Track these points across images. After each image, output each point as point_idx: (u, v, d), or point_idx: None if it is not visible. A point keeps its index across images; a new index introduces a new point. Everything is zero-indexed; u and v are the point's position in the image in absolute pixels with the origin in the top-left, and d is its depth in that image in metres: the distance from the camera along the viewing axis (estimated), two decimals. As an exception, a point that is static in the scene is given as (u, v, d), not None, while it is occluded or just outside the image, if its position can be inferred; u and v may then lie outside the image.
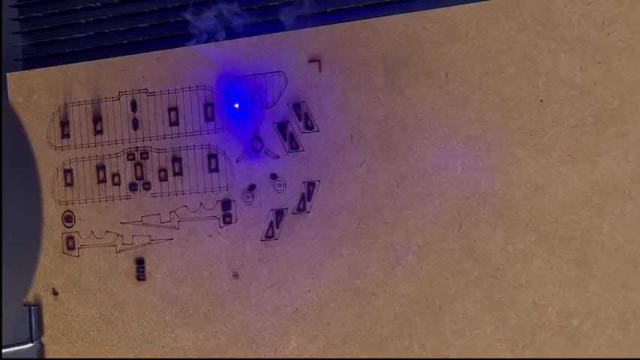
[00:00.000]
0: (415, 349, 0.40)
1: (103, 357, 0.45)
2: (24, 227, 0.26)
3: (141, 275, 0.44)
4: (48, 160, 0.46)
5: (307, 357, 0.42)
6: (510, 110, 0.38)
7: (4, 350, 0.45)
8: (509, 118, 0.38)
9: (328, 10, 0.42)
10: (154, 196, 0.44)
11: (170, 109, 0.44)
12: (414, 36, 0.40)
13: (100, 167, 0.45)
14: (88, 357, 0.45)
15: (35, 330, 0.46)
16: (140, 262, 0.44)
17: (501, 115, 0.38)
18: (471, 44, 0.39)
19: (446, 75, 0.39)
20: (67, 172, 0.46)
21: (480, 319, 0.39)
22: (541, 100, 0.38)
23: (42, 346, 0.46)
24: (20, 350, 0.46)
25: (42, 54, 0.47)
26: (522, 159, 0.38)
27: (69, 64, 0.46)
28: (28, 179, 0.27)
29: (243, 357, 0.43)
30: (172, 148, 0.44)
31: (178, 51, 0.44)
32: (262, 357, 0.42)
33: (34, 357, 0.46)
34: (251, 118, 0.42)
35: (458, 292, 0.39)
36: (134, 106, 0.44)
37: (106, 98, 0.45)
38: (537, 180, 0.38)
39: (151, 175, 0.44)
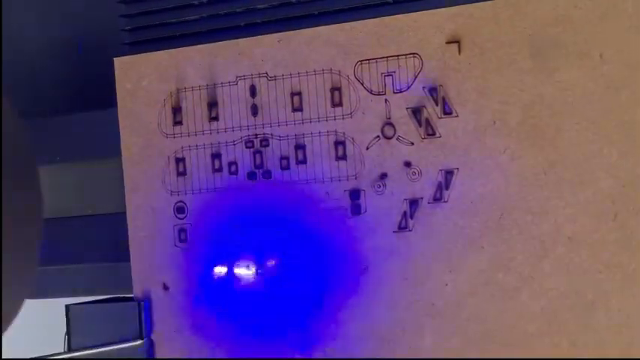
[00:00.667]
0: (565, 347, 0.38)
1: (219, 356, 0.43)
2: (23, 226, 0.25)
3: (262, 269, 0.42)
4: (159, 149, 0.44)
5: (444, 356, 0.39)
6: (672, 93, 0.36)
7: (113, 347, 0.44)
8: (671, 102, 0.36)
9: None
10: (275, 185, 0.42)
11: (293, 94, 0.42)
12: (564, 15, 0.37)
13: (216, 155, 0.43)
14: (202, 355, 0.43)
15: (145, 326, 0.44)
16: (259, 258, 0.42)
17: (662, 98, 0.36)
18: (629, 22, 0.36)
19: (600, 56, 0.37)
20: (180, 160, 0.44)
21: (637, 316, 0.37)
22: None
23: (152, 343, 0.44)
24: (130, 347, 0.44)
25: (151, 37, 0.45)
26: (687, 144, 0.36)
27: (181, 48, 0.44)
28: (28, 178, 0.26)
29: (372, 356, 0.40)
30: (295, 135, 0.42)
31: (302, 33, 0.41)
32: (396, 356, 0.40)
33: (144, 354, 0.44)
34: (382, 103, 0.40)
35: (613, 286, 0.37)
36: (253, 91, 0.42)
37: (222, 83, 0.43)
38: (702, 167, 0.36)
39: (272, 164, 0.42)
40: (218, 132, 0.43)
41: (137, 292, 0.44)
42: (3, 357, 0.42)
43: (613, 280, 0.37)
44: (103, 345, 0.44)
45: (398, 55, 0.40)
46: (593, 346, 0.37)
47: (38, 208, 0.27)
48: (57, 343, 0.47)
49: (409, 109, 0.40)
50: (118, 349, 0.44)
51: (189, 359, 0.44)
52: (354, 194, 0.41)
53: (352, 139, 0.41)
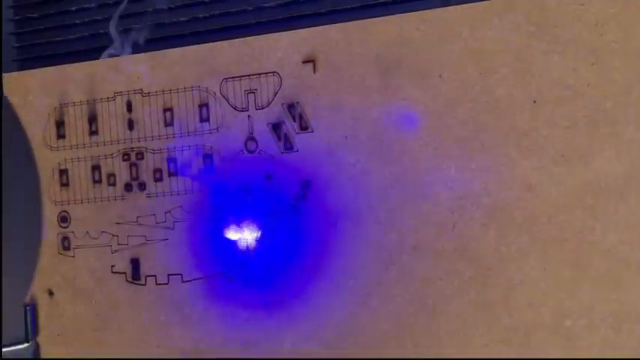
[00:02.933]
0: (409, 349, 0.40)
1: (99, 357, 0.45)
2: (24, 227, 0.26)
3: (136, 275, 0.44)
4: (44, 161, 0.46)
5: (302, 357, 0.42)
6: (504, 111, 0.38)
7: (1, 349, 0.46)
8: (502, 119, 0.38)
9: (322, 10, 0.42)
10: (149, 196, 0.44)
11: (165, 110, 0.44)
12: (407, 37, 0.40)
13: (96, 167, 0.45)
14: (83, 357, 0.45)
15: (31, 330, 0.46)
16: (135, 263, 0.44)
17: (495, 116, 0.39)
18: (464, 45, 0.39)
19: (439, 76, 0.39)
20: (63, 172, 0.46)
21: (473, 320, 0.39)
22: (534, 101, 0.38)
23: (38, 346, 0.46)
24: (16, 350, 0.46)
25: (37, 54, 0.47)
26: (515, 159, 0.38)
27: (64, 65, 0.46)
28: (28, 179, 0.27)
29: (237, 357, 0.43)
30: (168, 149, 0.44)
31: (173, 52, 0.44)
32: (255, 357, 0.42)
33: (30, 357, 0.46)
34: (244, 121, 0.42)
35: (451, 292, 0.39)
36: (129, 106, 0.44)
37: (101, 99, 0.45)
38: (530, 180, 0.38)
39: (146, 176, 0.44)
40: (98, 145, 0.45)
41: (24, 297, 0.46)
42: (3, 357, 0.44)
43: (451, 286, 0.39)
44: (-10, 348, 0.46)
45: (259, 74, 0.42)
46: (434, 348, 0.40)
47: (38, 208, 0.27)
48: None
49: (270, 125, 0.42)
50: (4, 352, 0.45)
51: (69, 359, 0.46)
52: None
53: (219, 152, 0.43)
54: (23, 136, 0.28)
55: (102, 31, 0.46)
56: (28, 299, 0.46)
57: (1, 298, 0.26)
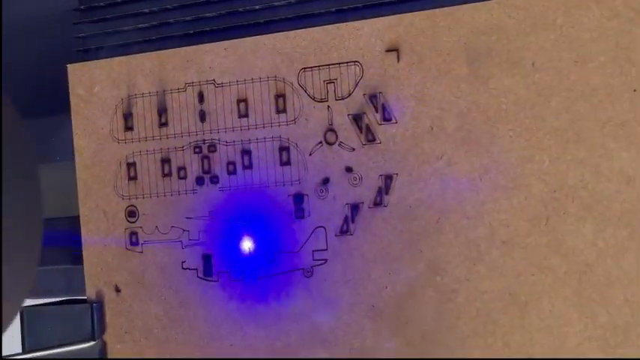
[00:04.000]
0: (498, 347, 0.38)
1: (167, 356, 0.44)
2: (24, 226, 0.26)
3: (208, 271, 0.43)
4: (110, 154, 0.45)
5: (384, 356, 0.40)
6: (601, 100, 0.37)
7: (65, 348, 0.44)
8: (599, 109, 0.37)
9: (408, -3, 0.41)
10: (222, 190, 0.43)
11: (239, 101, 0.43)
12: (498, 24, 0.38)
13: (165, 160, 0.44)
14: (152, 356, 0.44)
15: (97, 328, 0.45)
16: (207, 259, 0.43)
17: (591, 106, 0.37)
18: (559, 32, 0.37)
19: (532, 64, 0.38)
20: (131, 165, 0.45)
21: (568, 317, 0.38)
22: (634, 90, 0.36)
23: (104, 344, 0.45)
24: (81, 349, 0.44)
25: (104, 45, 0.46)
26: (614, 150, 0.37)
27: (132, 55, 0.44)
28: (28, 178, 0.26)
29: (313, 356, 0.41)
30: (242, 141, 0.43)
31: (248, 41, 0.42)
32: (336, 356, 0.41)
33: (96, 355, 0.45)
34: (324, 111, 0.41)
35: (544, 288, 0.38)
36: (201, 97, 0.43)
37: (171, 90, 0.44)
38: (630, 172, 0.37)
39: (219, 169, 0.43)
40: (167, 137, 0.44)
41: (90, 294, 0.45)
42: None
43: (544, 282, 0.38)
44: (56, 346, 0.44)
45: (339, 63, 0.41)
46: (526, 346, 0.38)
47: (38, 208, 0.27)
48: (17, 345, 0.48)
49: (350, 116, 0.41)
50: (70, 351, 0.44)
51: (138, 359, 0.45)
52: (298, 199, 0.41)
53: (296, 144, 0.42)
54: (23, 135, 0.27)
55: (171, 20, 0.44)
56: (93, 296, 0.45)
57: (0, 295, 0.25)
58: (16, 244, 0.25)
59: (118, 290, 0.45)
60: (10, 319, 0.27)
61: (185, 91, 0.44)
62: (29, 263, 0.27)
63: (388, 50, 0.40)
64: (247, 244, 0.42)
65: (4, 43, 0.48)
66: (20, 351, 0.46)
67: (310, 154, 0.41)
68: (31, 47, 0.47)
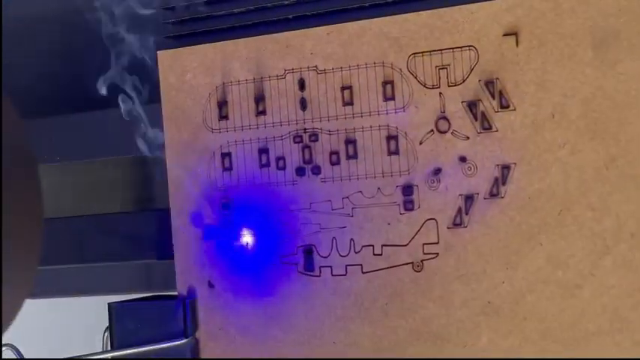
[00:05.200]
0: (628, 346, 0.37)
1: (265, 355, 0.42)
2: (24, 226, 0.25)
3: (309, 266, 0.41)
4: (204, 144, 0.43)
5: (500, 356, 0.38)
6: None
7: (157, 346, 0.43)
8: None
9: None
10: (324, 181, 0.41)
11: (343, 88, 0.41)
12: (627, 5, 0.36)
13: (263, 150, 0.42)
14: (247, 355, 0.42)
15: (189, 324, 0.43)
16: (308, 253, 0.41)
17: None
18: (694, 13, 0.36)
19: (664, 47, 0.36)
20: (225, 155, 0.43)
21: (703, 314, 0.36)
22: None
23: (197, 341, 0.43)
24: (173, 346, 0.43)
25: (196, 30, 0.44)
26: None
27: (227, 41, 0.43)
28: (28, 178, 0.26)
29: (422, 356, 0.40)
30: (346, 130, 0.41)
31: (352, 25, 0.41)
32: (447, 356, 0.39)
33: (188, 354, 0.43)
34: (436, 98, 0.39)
35: (677, 283, 0.36)
36: (302, 84, 0.41)
37: (269, 77, 0.42)
38: None
39: (321, 159, 0.41)
40: (265, 126, 0.42)
41: (181, 289, 0.44)
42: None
43: (678, 277, 0.36)
44: (146, 343, 0.43)
45: (453, 48, 0.39)
46: (657, 345, 0.36)
47: (38, 208, 0.27)
48: (92, 343, 0.47)
49: (464, 103, 0.39)
50: (161, 348, 0.43)
51: (233, 359, 0.43)
52: (407, 190, 0.40)
53: (405, 133, 0.40)
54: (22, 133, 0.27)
55: (269, 4, 0.42)
56: (185, 291, 0.44)
57: (0, 295, 0.25)
58: (16, 244, 0.24)
59: (211, 286, 0.43)
60: (11, 319, 0.26)
61: (285, 77, 0.42)
62: (29, 263, 0.26)
63: (506, 34, 0.38)
64: (348, 237, 0.41)
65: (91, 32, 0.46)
66: (103, 348, 0.45)
67: (420, 143, 0.39)
68: (117, 35, 0.45)
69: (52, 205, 0.49)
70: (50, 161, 0.48)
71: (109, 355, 0.43)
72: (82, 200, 0.51)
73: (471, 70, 0.39)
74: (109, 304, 0.44)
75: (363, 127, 0.40)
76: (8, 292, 0.25)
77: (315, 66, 0.41)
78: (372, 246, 0.40)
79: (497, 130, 0.38)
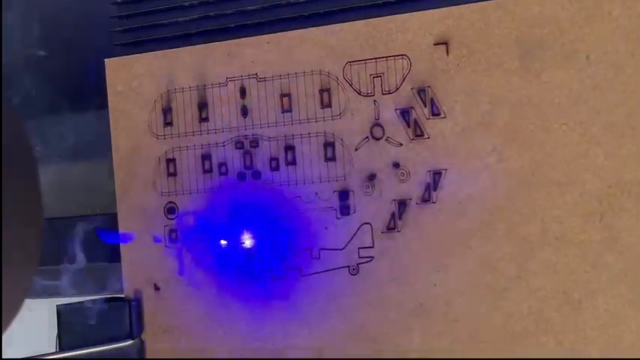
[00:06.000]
0: (552, 346, 0.38)
1: (208, 356, 0.43)
2: (24, 226, 0.26)
3: (250, 270, 0.42)
4: (149, 150, 0.44)
5: (432, 356, 0.39)
6: (658, 94, 0.36)
7: (102, 347, 0.44)
8: (656, 103, 0.36)
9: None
10: (264, 186, 0.42)
11: (282, 95, 0.42)
12: (551, 16, 0.38)
13: (206, 156, 0.43)
14: (191, 356, 0.43)
15: (135, 326, 0.44)
16: (249, 257, 0.42)
17: (648, 99, 0.36)
18: (614, 24, 0.37)
19: (586, 57, 0.37)
20: (170, 161, 0.44)
21: (623, 315, 0.37)
22: (693, 83, 0.36)
23: (142, 343, 0.44)
24: (119, 347, 0.44)
25: (142, 39, 0.45)
26: (671, 145, 0.36)
27: (172, 49, 0.44)
28: (28, 178, 0.26)
29: (361, 356, 0.41)
30: (285, 136, 0.42)
31: (291, 34, 0.42)
32: (383, 356, 0.40)
33: (134, 355, 0.44)
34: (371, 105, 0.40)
35: (599, 286, 0.37)
36: (243, 92, 0.42)
37: (212, 84, 0.43)
38: (688, 167, 0.36)
39: (261, 165, 0.42)
40: (208, 133, 0.43)
41: (128, 292, 0.44)
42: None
43: (599, 280, 0.37)
44: (93, 345, 0.44)
45: (387, 57, 0.40)
46: (580, 345, 0.37)
47: (38, 208, 0.27)
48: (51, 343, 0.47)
49: (398, 111, 0.40)
50: (108, 349, 0.44)
51: (178, 359, 0.44)
52: (343, 195, 0.41)
53: (341, 140, 0.41)
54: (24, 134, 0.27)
55: (212, 13, 0.43)
56: (131, 294, 0.45)
57: (0, 295, 0.25)
58: (16, 244, 0.25)
59: (157, 288, 0.44)
60: (10, 320, 0.27)
61: (226, 85, 0.43)
62: (29, 263, 0.27)
63: (437, 43, 0.39)
64: (288, 241, 0.42)
65: (39, 41, 0.48)
66: (56, 349, 0.46)
67: (356, 150, 0.41)
68: (68, 42, 0.46)
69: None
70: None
71: (56, 357, 0.44)
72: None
73: (404, 79, 0.40)
74: (57, 306, 0.45)
75: (301, 134, 0.42)
76: (8, 292, 0.25)
77: (256, 74, 0.42)
78: (311, 249, 0.41)
79: (428, 137, 0.39)
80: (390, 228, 0.40)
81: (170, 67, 0.44)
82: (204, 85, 0.43)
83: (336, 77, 0.41)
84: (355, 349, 0.41)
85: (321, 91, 0.41)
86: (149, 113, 0.44)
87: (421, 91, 0.39)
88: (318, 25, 0.41)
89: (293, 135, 0.42)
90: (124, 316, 0.44)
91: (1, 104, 0.25)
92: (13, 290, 0.26)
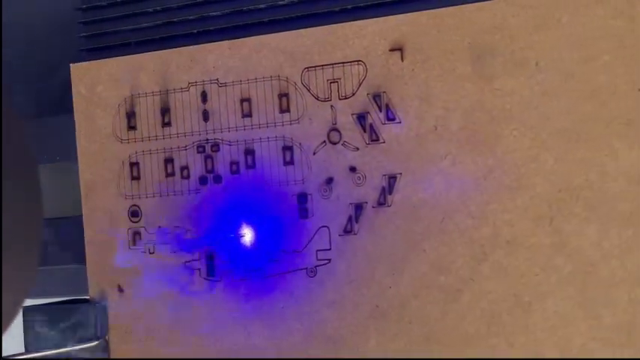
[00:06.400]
0: (503, 348, 0.38)
1: (171, 357, 0.44)
2: (24, 226, 0.26)
3: (211, 272, 0.43)
4: (113, 153, 0.45)
5: (389, 356, 0.40)
6: (605, 100, 0.37)
7: (69, 348, 0.44)
8: (604, 108, 0.37)
9: (411, -3, 0.40)
10: (225, 189, 0.43)
11: (243, 100, 0.42)
12: (502, 23, 0.38)
13: (169, 160, 0.44)
14: (155, 356, 0.44)
15: (100, 327, 0.44)
16: (210, 259, 0.43)
17: (595, 105, 0.37)
18: (563, 31, 0.37)
19: (536, 64, 0.38)
20: (134, 165, 0.45)
21: (572, 317, 0.37)
22: (639, 89, 0.36)
23: (107, 344, 0.45)
24: (84, 348, 0.44)
25: (107, 44, 0.45)
26: (618, 150, 0.37)
27: (135, 55, 0.44)
28: (28, 178, 0.26)
29: (321, 356, 0.41)
30: (245, 141, 0.42)
31: (252, 40, 0.42)
32: (341, 356, 0.41)
33: (99, 355, 0.44)
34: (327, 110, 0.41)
35: (549, 288, 0.38)
36: (204, 97, 0.43)
37: (174, 89, 0.44)
38: (634, 172, 0.37)
39: (222, 169, 0.43)
40: (171, 137, 0.44)
41: (93, 293, 0.45)
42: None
43: (549, 282, 0.38)
44: (58, 346, 0.44)
45: (343, 63, 0.41)
46: (530, 347, 0.38)
47: (38, 208, 0.27)
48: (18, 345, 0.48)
49: (354, 115, 0.40)
50: (73, 350, 0.44)
51: (141, 359, 0.44)
52: (302, 198, 0.41)
53: (299, 144, 0.41)
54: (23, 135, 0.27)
55: (175, 19, 0.44)
56: (96, 295, 0.45)
57: (0, 295, 0.25)
58: (16, 244, 0.25)
59: (121, 290, 0.45)
60: (11, 319, 0.27)
61: (188, 90, 0.43)
62: (29, 263, 0.27)
63: (392, 49, 0.40)
64: (248, 241, 0.42)
65: (5, 44, 0.48)
66: (22, 351, 0.46)
67: (314, 154, 0.41)
68: (34, 47, 0.46)
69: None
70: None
71: (22, 357, 0.44)
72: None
73: (360, 84, 0.40)
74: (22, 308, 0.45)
75: (261, 138, 0.42)
76: (8, 292, 0.25)
77: (217, 79, 0.43)
78: (270, 252, 0.42)
79: (384, 142, 0.40)
80: (347, 231, 0.41)
81: (134, 72, 0.44)
82: (167, 90, 0.44)
83: (295, 82, 0.41)
84: (314, 350, 0.41)
85: (280, 96, 0.42)
86: (113, 117, 0.45)
87: (377, 97, 0.40)
88: (277, 32, 0.42)
89: (253, 139, 0.42)
90: (89, 318, 0.44)
91: (1, 104, 0.25)
92: (13, 290, 0.26)
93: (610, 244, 0.37)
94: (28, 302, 0.45)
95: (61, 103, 0.47)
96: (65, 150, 0.48)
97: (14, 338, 0.45)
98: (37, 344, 0.45)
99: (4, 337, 0.30)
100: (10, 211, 0.24)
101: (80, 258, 0.46)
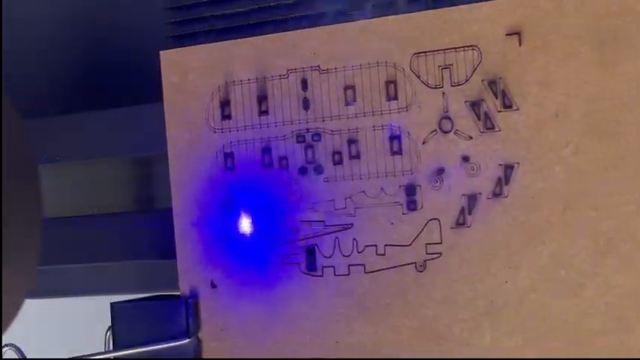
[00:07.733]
0: (632, 345, 0.37)
1: (266, 356, 0.42)
2: (24, 226, 0.25)
3: (312, 266, 0.41)
4: (207, 144, 0.43)
5: (503, 356, 0.38)
6: None
7: (159, 346, 0.43)
8: None
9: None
10: (326, 180, 0.41)
11: (346, 87, 0.41)
12: (628, 7, 0.36)
13: (266, 150, 0.42)
14: (249, 356, 0.42)
15: (191, 325, 0.43)
16: (310, 253, 0.41)
17: None
18: (696, 14, 0.36)
19: (666, 48, 0.36)
20: (228, 155, 0.43)
21: None
22: None
23: (199, 342, 0.43)
24: (175, 346, 0.43)
25: (199, 30, 0.44)
26: None
27: (230, 41, 0.43)
28: (28, 178, 0.26)
29: (429, 356, 0.40)
30: (349, 130, 0.41)
31: (354, 25, 0.41)
32: (449, 357, 0.39)
33: (190, 354, 0.43)
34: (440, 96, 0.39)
35: (680, 283, 0.36)
36: (305, 84, 0.41)
37: (272, 77, 0.42)
38: None
39: (324, 159, 0.41)
40: (268, 126, 0.42)
41: (184, 289, 0.43)
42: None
43: (681, 276, 0.36)
44: (148, 344, 0.43)
45: (456, 48, 0.39)
46: (661, 345, 0.36)
47: (38, 208, 0.27)
48: (96, 342, 0.46)
49: (467, 103, 0.39)
50: (164, 348, 0.43)
51: (235, 359, 0.43)
52: (410, 189, 0.40)
53: (408, 133, 0.40)
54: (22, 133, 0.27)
55: (272, 3, 0.42)
56: (187, 291, 0.43)
57: (0, 295, 0.25)
58: (16, 244, 0.24)
59: (213, 286, 0.43)
60: (11, 319, 0.26)
61: (287, 77, 0.42)
62: (29, 263, 0.26)
63: (509, 34, 0.38)
64: (351, 234, 0.41)
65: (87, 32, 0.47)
66: (109, 348, 0.45)
67: (423, 143, 0.39)
68: (120, 36, 0.45)
69: (52, 205, 0.49)
70: (50, 161, 0.48)
71: (111, 355, 0.43)
72: (82, 200, 0.51)
73: (474, 70, 0.39)
74: (112, 304, 0.44)
75: (365, 127, 0.40)
76: (8, 292, 0.25)
77: (318, 66, 0.41)
78: (375, 246, 0.40)
79: (500, 130, 0.38)
80: (460, 223, 0.39)
81: (228, 58, 0.43)
82: (264, 78, 0.42)
83: (403, 69, 0.40)
84: (421, 348, 0.40)
85: (387, 83, 0.40)
86: (206, 106, 0.43)
87: (492, 83, 0.38)
88: (383, 16, 0.40)
89: (357, 128, 0.41)
90: (179, 315, 0.43)
91: (1, 104, 0.24)
92: (13, 290, 0.25)
93: None
94: (119, 298, 0.44)
95: (145, 92, 0.45)
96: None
97: (96, 335, 0.44)
98: (126, 341, 0.43)
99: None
100: (10, 211, 0.23)
101: (169, 253, 0.44)
